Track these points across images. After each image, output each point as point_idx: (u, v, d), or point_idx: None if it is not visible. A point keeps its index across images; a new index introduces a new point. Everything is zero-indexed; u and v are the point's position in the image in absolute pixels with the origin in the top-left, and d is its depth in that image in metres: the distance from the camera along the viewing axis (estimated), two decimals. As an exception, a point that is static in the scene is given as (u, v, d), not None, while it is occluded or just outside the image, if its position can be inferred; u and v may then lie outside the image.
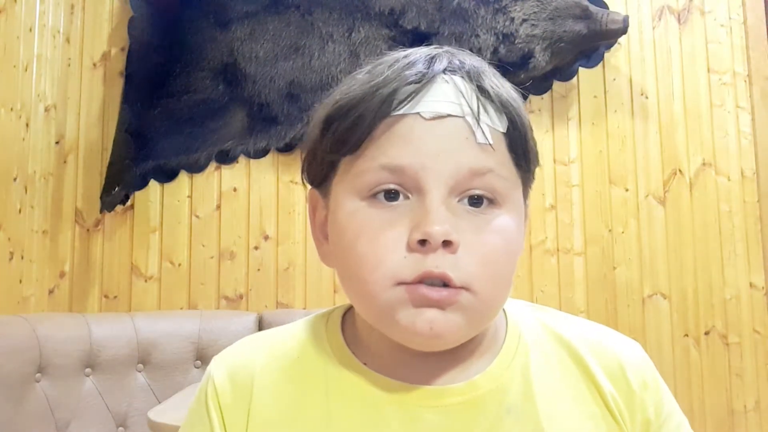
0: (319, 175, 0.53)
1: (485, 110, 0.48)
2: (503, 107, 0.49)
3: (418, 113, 0.47)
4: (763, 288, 2.18)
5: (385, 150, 0.47)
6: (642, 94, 2.26)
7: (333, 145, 0.50)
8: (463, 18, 2.12)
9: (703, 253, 2.19)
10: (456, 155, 0.47)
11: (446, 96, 0.48)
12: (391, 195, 0.47)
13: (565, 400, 0.52)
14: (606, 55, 2.25)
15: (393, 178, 0.47)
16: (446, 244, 0.45)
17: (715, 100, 2.26)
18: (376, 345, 0.52)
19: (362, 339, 0.54)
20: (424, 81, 0.48)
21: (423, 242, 0.45)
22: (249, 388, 0.52)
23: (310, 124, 0.53)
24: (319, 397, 0.51)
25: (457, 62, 0.50)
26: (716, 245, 2.20)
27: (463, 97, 0.48)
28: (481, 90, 0.49)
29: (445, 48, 0.52)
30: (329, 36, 2.16)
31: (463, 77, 0.49)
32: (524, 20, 2.10)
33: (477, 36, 2.11)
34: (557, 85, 2.24)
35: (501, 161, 0.49)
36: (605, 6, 2.17)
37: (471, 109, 0.48)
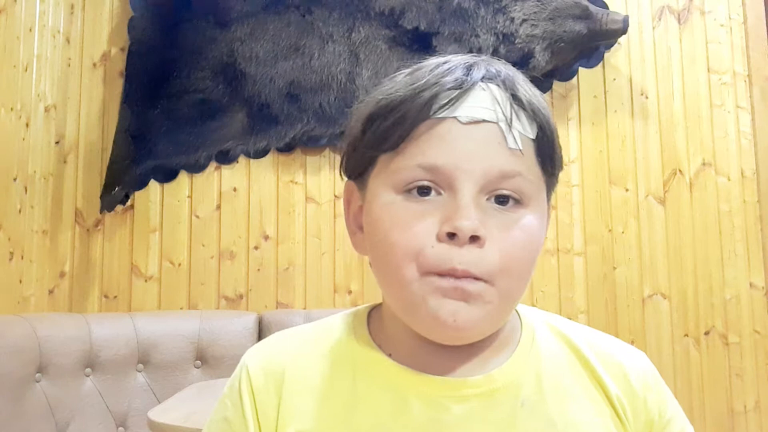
0: (357, 169, 0.56)
1: (518, 117, 0.52)
2: (534, 115, 0.52)
3: (455, 117, 0.51)
4: (763, 288, 2.18)
5: (423, 150, 0.51)
6: (642, 94, 2.26)
7: (374, 142, 0.53)
8: (463, 18, 2.12)
9: (703, 253, 2.19)
10: (488, 158, 0.50)
11: (483, 102, 0.51)
12: (425, 191, 0.51)
13: (574, 397, 0.55)
14: (606, 55, 2.25)
15: (428, 175, 0.51)
16: (473, 239, 0.49)
17: (715, 100, 2.26)
18: (400, 337, 0.55)
19: (387, 332, 0.57)
20: (464, 88, 0.51)
21: (452, 235, 0.49)
22: (281, 374, 0.56)
23: (351, 120, 0.57)
24: (346, 383, 0.55)
25: (494, 71, 0.53)
26: (716, 245, 2.20)
27: (498, 104, 0.51)
28: (515, 98, 0.52)
29: (483, 57, 0.55)
30: (329, 36, 2.16)
31: (498, 85, 0.52)
32: (524, 20, 2.10)
33: (477, 36, 2.11)
34: (557, 85, 2.24)
35: (529, 166, 0.52)
36: (605, 6, 2.17)
37: (505, 116, 0.51)
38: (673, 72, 2.27)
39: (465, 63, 0.53)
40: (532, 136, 0.52)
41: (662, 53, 2.28)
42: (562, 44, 2.09)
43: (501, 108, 0.51)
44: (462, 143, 0.50)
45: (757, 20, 2.29)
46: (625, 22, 2.07)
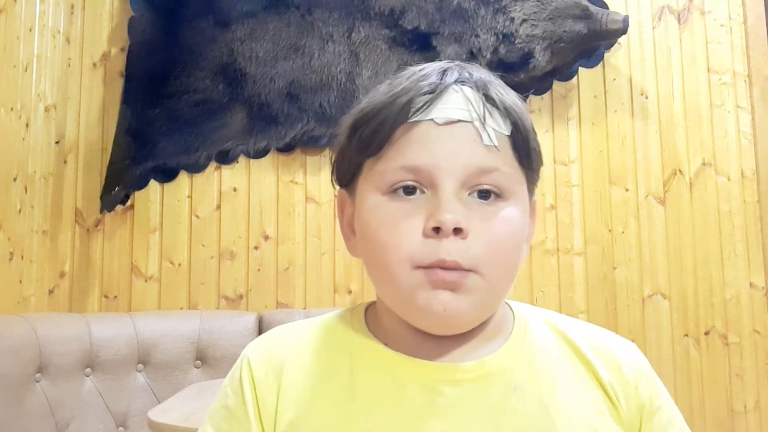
0: (347, 176, 0.60)
1: (491, 116, 0.54)
2: (507, 113, 0.55)
3: (431, 119, 0.54)
4: (763, 288, 2.18)
5: (404, 152, 0.54)
6: (642, 94, 2.26)
7: (358, 148, 0.57)
8: (463, 18, 2.12)
9: (703, 253, 2.19)
10: (465, 155, 0.53)
11: (456, 104, 0.54)
12: (409, 190, 0.54)
13: (567, 384, 0.57)
14: (606, 55, 2.25)
15: (411, 176, 0.54)
16: (457, 231, 0.52)
17: (715, 100, 2.26)
18: (395, 328, 0.58)
19: (383, 324, 0.60)
20: (437, 91, 0.54)
21: (437, 229, 0.52)
22: (280, 365, 0.58)
23: (339, 130, 0.60)
24: (344, 370, 0.57)
25: (467, 74, 0.56)
26: (716, 245, 2.20)
27: (471, 104, 0.54)
28: (488, 98, 0.55)
29: (456, 62, 0.58)
30: (329, 36, 2.16)
31: (471, 87, 0.55)
32: (524, 20, 2.10)
33: (477, 36, 2.11)
34: (557, 85, 2.24)
35: (506, 160, 0.55)
36: (605, 6, 2.17)
37: (478, 115, 0.54)
38: (673, 72, 2.27)
39: (439, 68, 0.56)
40: (507, 132, 0.55)
41: (662, 53, 2.28)
42: (562, 44, 2.09)
43: (474, 108, 0.54)
44: (440, 143, 0.53)
45: (757, 20, 2.29)
46: (625, 22, 2.07)
